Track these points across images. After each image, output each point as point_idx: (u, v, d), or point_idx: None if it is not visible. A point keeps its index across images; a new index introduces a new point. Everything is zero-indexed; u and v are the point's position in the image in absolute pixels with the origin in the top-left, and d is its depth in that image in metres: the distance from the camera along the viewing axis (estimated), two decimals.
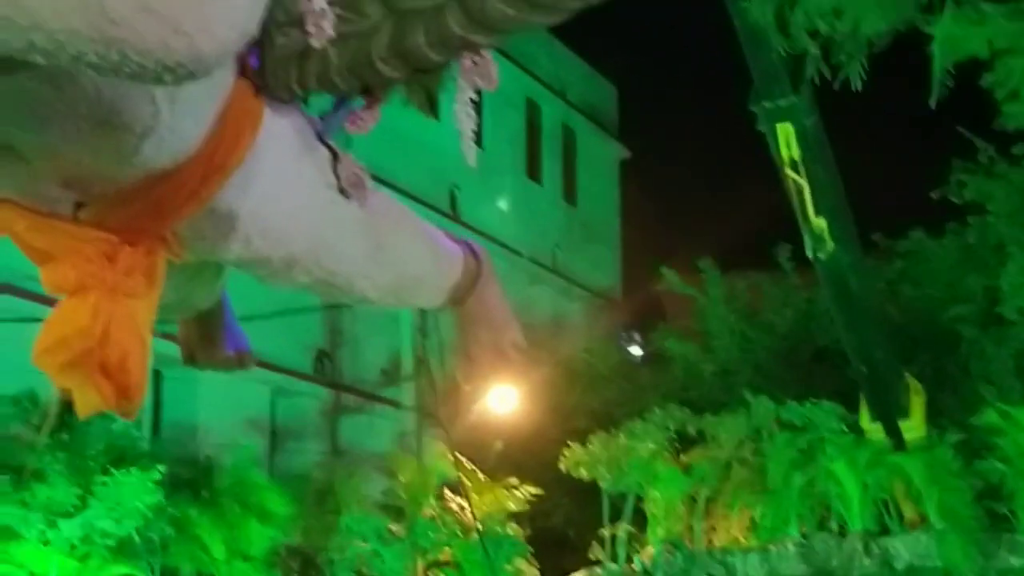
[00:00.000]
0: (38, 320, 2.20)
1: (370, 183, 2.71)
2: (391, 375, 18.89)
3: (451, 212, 20.42)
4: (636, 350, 22.22)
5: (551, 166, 24.13)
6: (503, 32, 2.45)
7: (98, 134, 1.98)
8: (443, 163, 18.53)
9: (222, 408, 15.83)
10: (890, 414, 12.96)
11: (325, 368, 18.73)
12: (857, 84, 6.89)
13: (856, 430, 13.27)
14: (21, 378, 11.90)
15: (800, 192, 10.62)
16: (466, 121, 2.62)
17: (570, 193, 24.70)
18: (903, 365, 13.08)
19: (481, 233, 20.37)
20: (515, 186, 22.62)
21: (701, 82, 25.56)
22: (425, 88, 2.55)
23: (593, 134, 25.12)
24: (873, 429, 13.13)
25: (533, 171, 23.64)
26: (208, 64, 1.66)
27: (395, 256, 2.78)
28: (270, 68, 2.23)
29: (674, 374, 17.78)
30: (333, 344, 18.69)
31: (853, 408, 13.30)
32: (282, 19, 2.19)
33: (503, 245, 21.45)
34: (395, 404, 18.68)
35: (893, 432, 12.99)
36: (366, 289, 2.74)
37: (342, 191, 2.58)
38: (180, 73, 1.63)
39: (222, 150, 2.18)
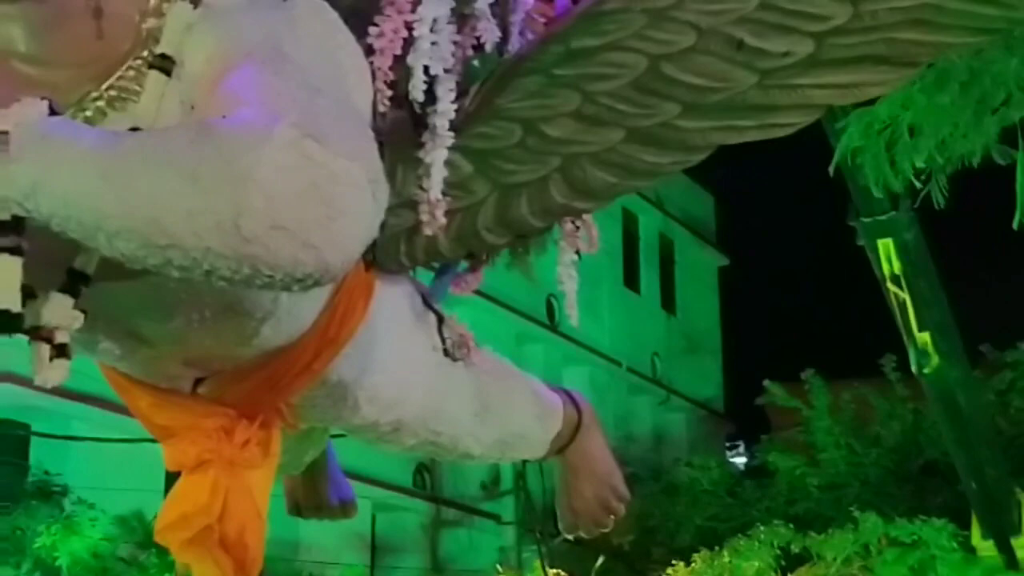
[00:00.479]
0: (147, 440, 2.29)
1: (474, 343, 2.79)
2: (490, 489, 18.87)
3: (549, 322, 20.50)
4: (740, 462, 21.96)
5: (649, 275, 24.18)
6: (605, 199, 2.56)
7: (220, 321, 2.08)
8: (540, 273, 18.62)
9: (323, 524, 15.90)
10: (1002, 531, 12.64)
11: (425, 482, 18.78)
12: (940, 201, 6.89)
13: (967, 547, 12.97)
14: (131, 497, 12.12)
15: (903, 307, 10.53)
16: (569, 283, 2.71)
17: (669, 302, 24.69)
18: (1015, 479, 12.79)
19: (579, 343, 20.40)
20: (613, 296, 22.66)
21: (799, 189, 25.51)
22: (527, 251, 2.68)
23: (691, 243, 25.16)
24: (985, 547, 12.81)
25: (631, 280, 23.69)
26: (335, 273, 1.73)
27: (500, 414, 2.84)
28: (380, 246, 2.34)
29: (779, 488, 17.50)
30: (432, 458, 18.72)
31: (964, 524, 13.01)
32: (393, 202, 2.30)
33: (602, 355, 21.45)
34: (495, 518, 18.64)
35: (1005, 549, 12.67)
36: (471, 447, 2.81)
37: (447, 353, 2.66)
38: (308, 283, 1.70)
39: (335, 324, 2.28)
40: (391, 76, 2.19)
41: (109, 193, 1.63)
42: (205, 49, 1.93)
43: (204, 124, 1.73)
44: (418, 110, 2.26)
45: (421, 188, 2.30)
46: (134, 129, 1.89)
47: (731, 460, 21.84)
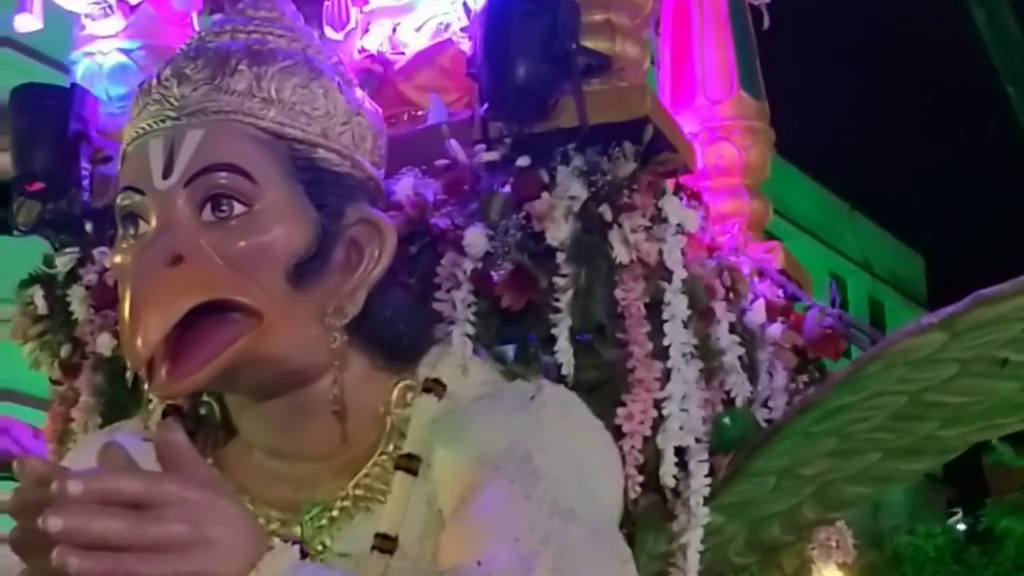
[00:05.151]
0: None
1: None
2: None
3: None
4: (959, 529, 21.01)
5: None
6: (857, 507, 2.36)
7: None
8: None
9: None
10: None
11: None
12: None
13: None
14: None
15: None
16: None
17: None
18: None
19: None
20: None
21: (1012, 247, 24.41)
22: (779, 566, 2.42)
23: (902, 305, 24.29)
24: None
25: None
26: None
27: None
28: None
29: (1007, 553, 16.68)
30: None
31: None
32: (643, 561, 2.10)
33: None
34: None
35: None
36: None
37: None
38: None
39: None
40: (641, 459, 1.96)
41: None
42: (450, 453, 1.76)
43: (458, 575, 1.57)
44: (670, 496, 2.03)
45: (673, 564, 2.06)
46: (381, 536, 1.75)
47: (954, 529, 20.88)
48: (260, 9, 1.89)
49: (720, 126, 2.72)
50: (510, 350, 1.99)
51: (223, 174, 1.69)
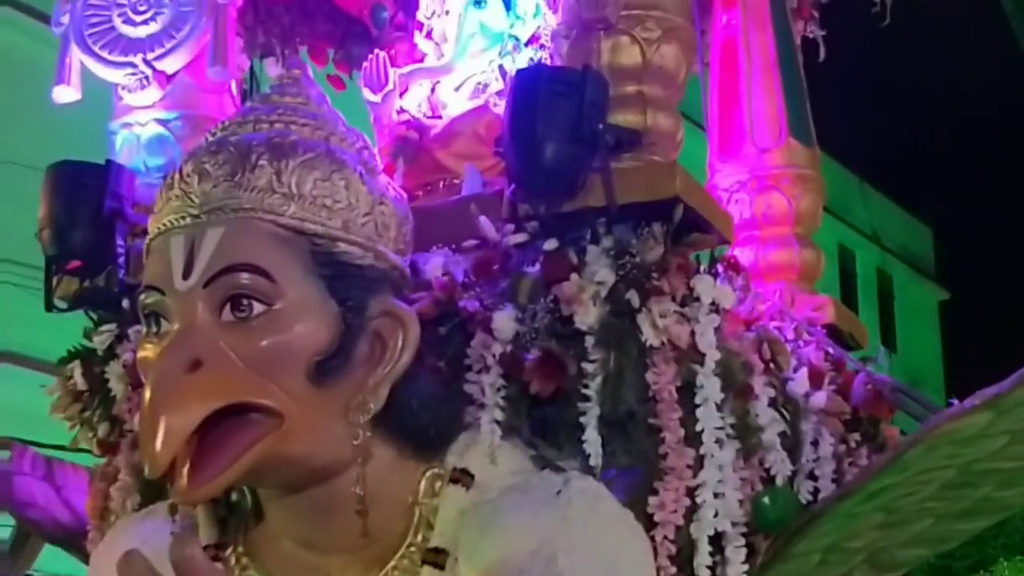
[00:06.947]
0: None
1: None
2: None
3: None
4: None
5: (867, 312, 23.16)
6: (912, 567, 2.28)
7: None
8: None
9: None
10: None
11: None
12: None
13: None
14: None
15: None
16: None
17: (888, 338, 23.62)
18: None
19: None
20: None
21: (1019, 222, 24.21)
22: None
23: (910, 278, 24.09)
24: None
25: None
26: None
27: None
28: None
29: (1016, 524, 16.59)
30: None
31: None
32: None
33: None
34: None
35: None
36: None
37: None
38: None
39: None
40: (673, 549, 1.89)
41: None
42: (476, 553, 1.71)
43: None
44: None
45: None
46: None
47: None
48: (286, 95, 1.84)
49: (769, 175, 2.61)
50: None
51: (243, 275, 1.64)
